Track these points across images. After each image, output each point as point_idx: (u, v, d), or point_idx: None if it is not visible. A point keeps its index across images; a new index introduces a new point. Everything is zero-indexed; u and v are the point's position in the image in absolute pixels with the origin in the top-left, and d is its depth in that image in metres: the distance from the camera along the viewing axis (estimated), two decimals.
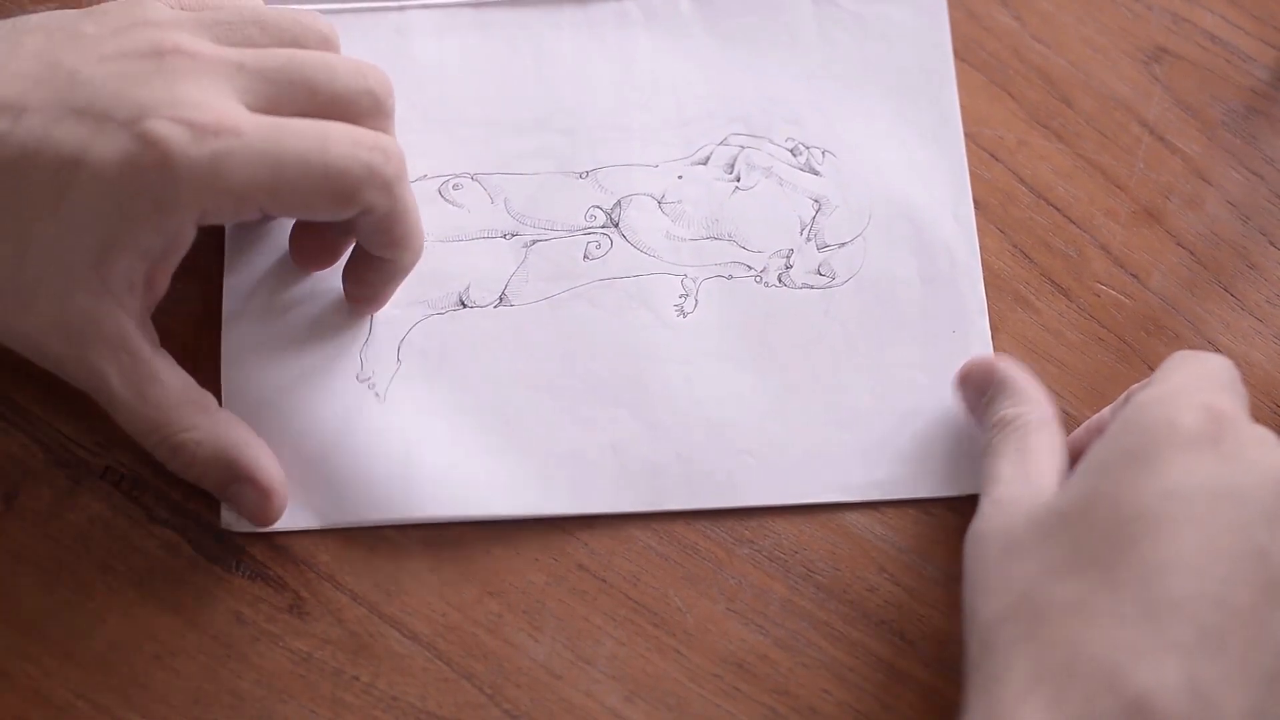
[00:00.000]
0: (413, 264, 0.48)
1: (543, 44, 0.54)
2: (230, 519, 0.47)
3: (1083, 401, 0.50)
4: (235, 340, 0.49)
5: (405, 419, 0.48)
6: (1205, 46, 0.54)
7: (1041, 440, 0.44)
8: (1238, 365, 0.45)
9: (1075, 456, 0.47)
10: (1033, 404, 0.45)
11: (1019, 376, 0.46)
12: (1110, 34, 0.55)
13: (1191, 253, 0.52)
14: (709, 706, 0.46)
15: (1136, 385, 0.46)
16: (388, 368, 0.49)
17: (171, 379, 0.45)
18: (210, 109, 0.42)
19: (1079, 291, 0.51)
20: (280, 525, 0.47)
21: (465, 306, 0.50)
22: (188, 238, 0.43)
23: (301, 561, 0.47)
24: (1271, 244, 0.52)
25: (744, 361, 0.50)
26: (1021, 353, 0.50)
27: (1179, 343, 0.50)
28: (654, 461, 0.48)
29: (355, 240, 0.48)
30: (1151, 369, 0.50)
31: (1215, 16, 0.55)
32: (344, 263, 0.49)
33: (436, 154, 0.52)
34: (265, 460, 0.46)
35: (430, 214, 0.50)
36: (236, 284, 0.50)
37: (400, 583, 0.47)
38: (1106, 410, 0.47)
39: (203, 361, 0.49)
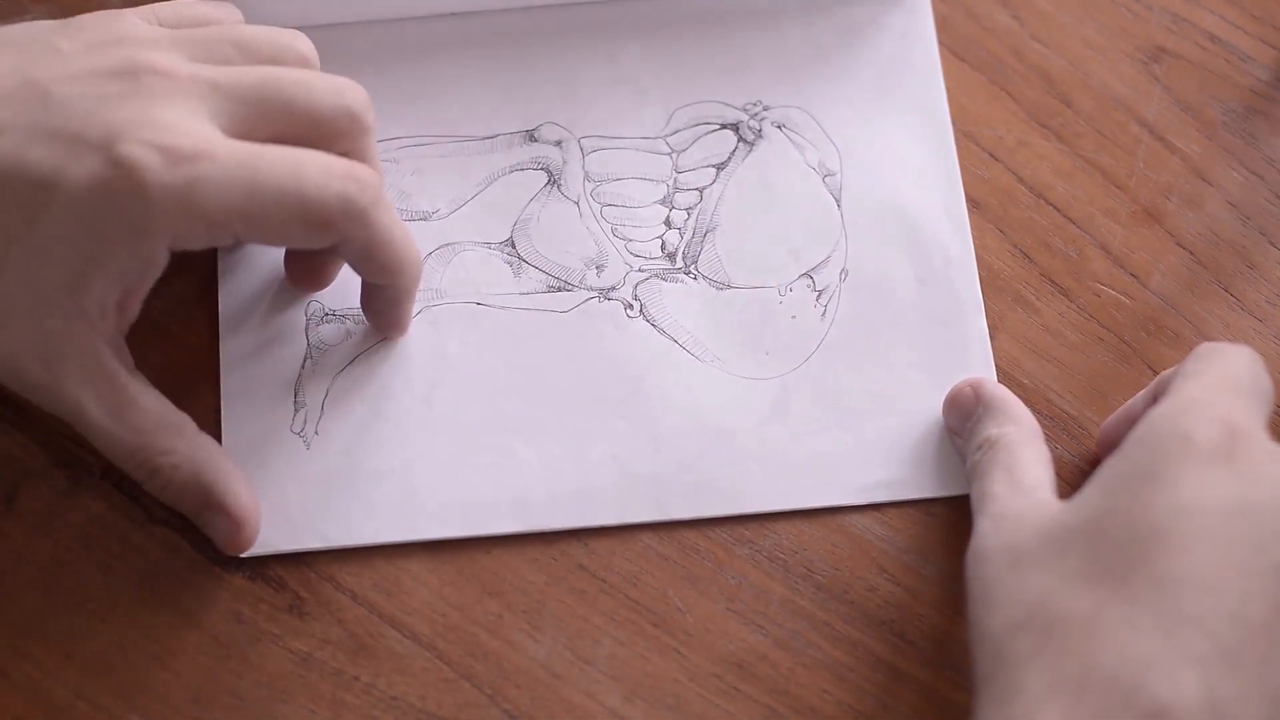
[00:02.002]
0: (411, 285, 0.47)
1: (529, 53, 0.53)
2: None
3: (1083, 401, 0.50)
4: (234, 355, 0.49)
5: (405, 437, 0.48)
6: (1205, 46, 0.54)
7: (1029, 454, 0.44)
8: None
9: (1107, 446, 0.47)
10: (1016, 422, 0.46)
11: (1002, 396, 0.47)
12: (1110, 34, 0.55)
13: (1191, 253, 0.52)
14: (709, 706, 0.46)
15: (1168, 371, 0.45)
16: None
17: (149, 402, 0.45)
18: (184, 133, 0.42)
19: (1079, 292, 0.51)
20: (287, 546, 0.47)
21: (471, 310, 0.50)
22: (161, 262, 0.43)
23: (301, 561, 0.47)
24: (1271, 244, 0.52)
25: (742, 368, 0.50)
26: (1021, 353, 0.50)
27: (1179, 342, 0.50)
28: (656, 472, 0.48)
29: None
30: (1152, 369, 0.50)
31: (1215, 16, 0.55)
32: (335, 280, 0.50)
33: (430, 173, 0.52)
34: (239, 489, 0.46)
35: (424, 231, 0.51)
36: (232, 297, 0.50)
37: (400, 583, 0.47)
38: (1139, 397, 0.47)
39: (204, 362, 0.49)
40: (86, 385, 0.43)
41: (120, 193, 0.41)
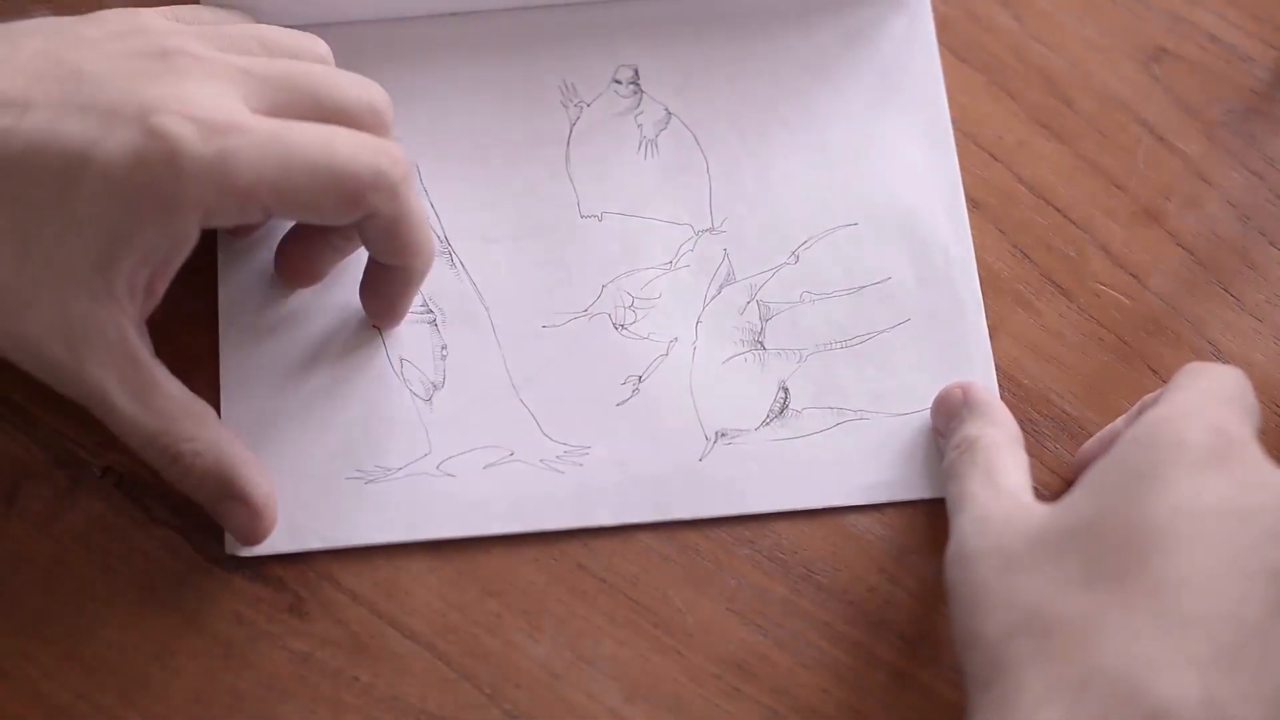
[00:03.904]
0: (425, 270, 0.47)
1: (531, 53, 0.53)
2: (234, 542, 0.47)
3: (1083, 401, 0.50)
4: (234, 354, 0.49)
5: (406, 437, 0.48)
6: (1205, 46, 0.55)
7: (1007, 457, 0.44)
8: (1238, 366, 0.45)
9: (1085, 467, 0.47)
10: (998, 425, 0.46)
11: (986, 399, 0.47)
12: (1110, 34, 0.55)
13: (1191, 253, 0.52)
14: (709, 706, 0.46)
15: (1149, 396, 0.45)
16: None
17: (174, 389, 0.45)
18: (218, 107, 0.42)
19: (1079, 292, 0.51)
20: (284, 547, 0.47)
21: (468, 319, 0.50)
22: (191, 239, 0.43)
23: (301, 561, 0.47)
24: (1271, 244, 0.52)
25: (743, 368, 0.50)
26: (1021, 353, 0.50)
27: (1179, 343, 0.50)
28: (656, 472, 0.48)
29: (350, 254, 0.49)
30: (1152, 369, 0.50)
31: (1215, 16, 0.55)
32: (335, 281, 0.50)
33: (430, 173, 0.52)
34: (259, 479, 0.46)
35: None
36: (232, 297, 0.50)
37: (400, 583, 0.47)
38: (1119, 421, 0.47)
39: (203, 363, 0.49)
40: (111, 368, 0.43)
41: (154, 164, 0.41)
